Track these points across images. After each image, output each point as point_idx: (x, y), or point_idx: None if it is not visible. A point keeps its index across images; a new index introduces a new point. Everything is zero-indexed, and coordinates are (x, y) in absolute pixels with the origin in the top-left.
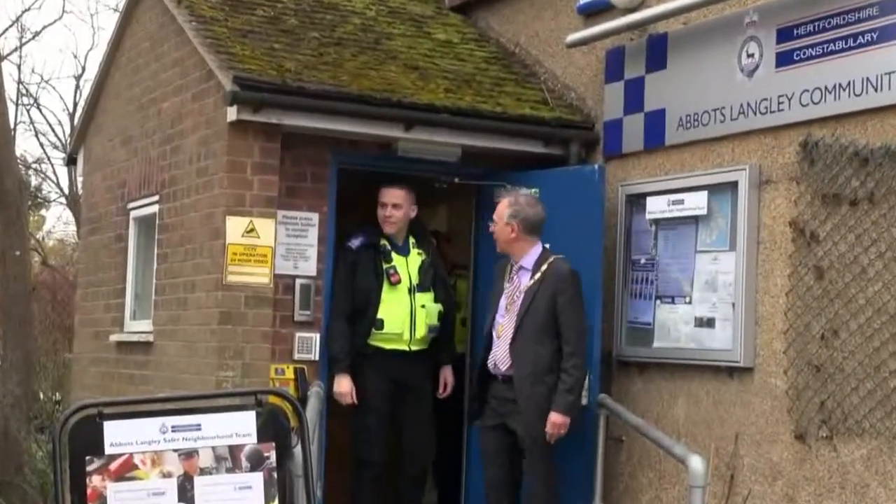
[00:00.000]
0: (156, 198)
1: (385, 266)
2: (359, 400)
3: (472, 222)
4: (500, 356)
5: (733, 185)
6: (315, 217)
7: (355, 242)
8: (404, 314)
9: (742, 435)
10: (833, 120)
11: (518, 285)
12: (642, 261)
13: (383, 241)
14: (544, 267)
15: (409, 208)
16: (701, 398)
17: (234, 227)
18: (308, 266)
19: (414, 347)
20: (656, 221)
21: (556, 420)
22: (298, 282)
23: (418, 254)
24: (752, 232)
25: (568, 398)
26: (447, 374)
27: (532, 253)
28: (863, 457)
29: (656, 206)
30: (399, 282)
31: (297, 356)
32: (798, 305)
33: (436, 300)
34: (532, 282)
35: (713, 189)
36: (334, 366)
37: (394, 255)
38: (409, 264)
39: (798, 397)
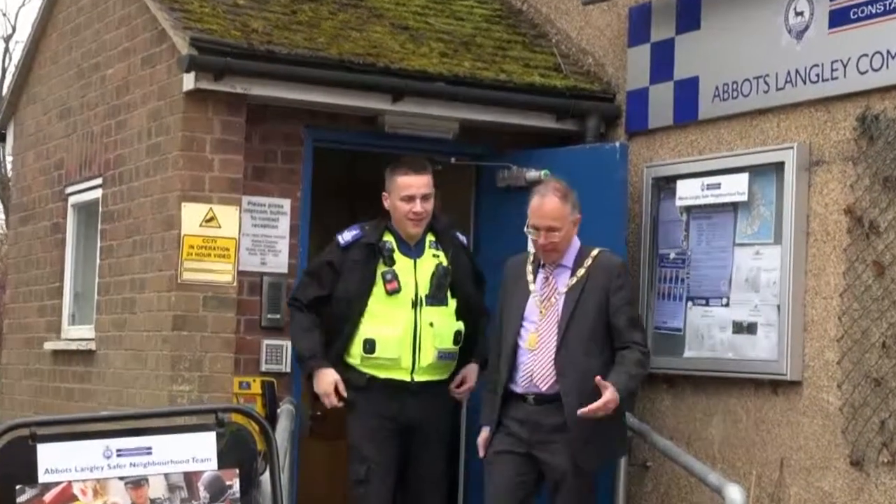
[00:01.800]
0: (99, 181)
1: (382, 270)
2: (348, 445)
3: (471, 210)
4: (539, 372)
5: (778, 167)
6: (286, 204)
7: (346, 237)
8: (404, 334)
9: (788, 461)
10: None
11: (554, 286)
12: (671, 255)
13: (387, 238)
14: (588, 262)
15: (433, 197)
16: (740, 417)
17: (191, 215)
18: (278, 261)
19: (419, 378)
20: (688, 209)
21: (610, 399)
22: (266, 280)
23: (434, 256)
24: (801, 222)
25: (630, 383)
26: (469, 373)
27: (573, 247)
28: None
29: (688, 192)
30: (397, 291)
31: (264, 367)
32: (854, 308)
33: (457, 317)
34: (574, 280)
35: (755, 171)
36: (304, 364)
37: (398, 256)
38: (417, 270)
39: (854, 416)
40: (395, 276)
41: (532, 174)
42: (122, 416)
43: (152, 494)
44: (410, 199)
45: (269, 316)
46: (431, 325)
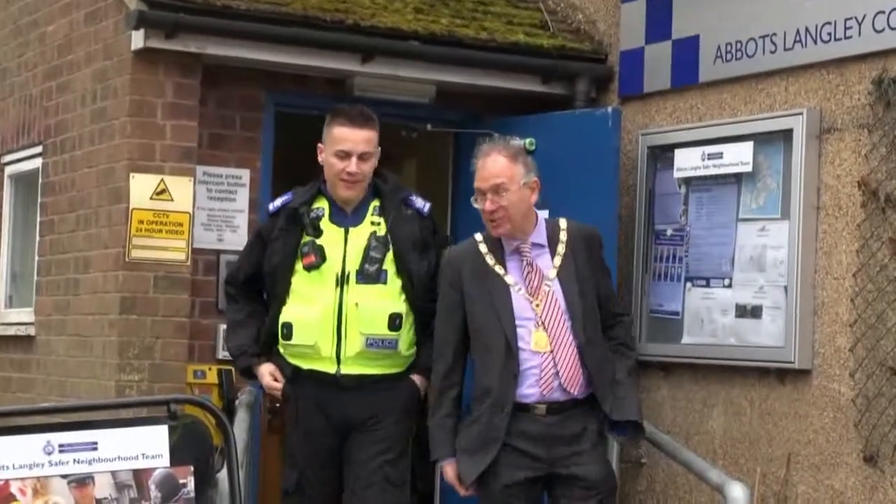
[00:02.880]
0: (38, 149)
1: (304, 241)
2: (285, 449)
3: (449, 182)
4: (566, 374)
5: (786, 135)
6: (245, 175)
7: (276, 202)
8: (324, 317)
9: (796, 456)
10: None
11: (537, 270)
12: (669, 232)
13: (319, 203)
14: (563, 235)
15: (376, 158)
16: (743, 409)
17: (141, 187)
18: (236, 238)
19: (347, 370)
20: (687, 181)
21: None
22: (224, 258)
23: (373, 223)
24: (811, 195)
25: (637, 398)
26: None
27: (540, 222)
28: None
29: (687, 162)
30: (315, 266)
31: (221, 354)
32: (869, 290)
33: (404, 297)
34: (560, 259)
35: (761, 139)
36: (236, 362)
37: (326, 224)
38: (348, 240)
39: (868, 408)
40: (316, 249)
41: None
42: (64, 408)
43: (98, 494)
44: (346, 155)
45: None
46: (357, 305)
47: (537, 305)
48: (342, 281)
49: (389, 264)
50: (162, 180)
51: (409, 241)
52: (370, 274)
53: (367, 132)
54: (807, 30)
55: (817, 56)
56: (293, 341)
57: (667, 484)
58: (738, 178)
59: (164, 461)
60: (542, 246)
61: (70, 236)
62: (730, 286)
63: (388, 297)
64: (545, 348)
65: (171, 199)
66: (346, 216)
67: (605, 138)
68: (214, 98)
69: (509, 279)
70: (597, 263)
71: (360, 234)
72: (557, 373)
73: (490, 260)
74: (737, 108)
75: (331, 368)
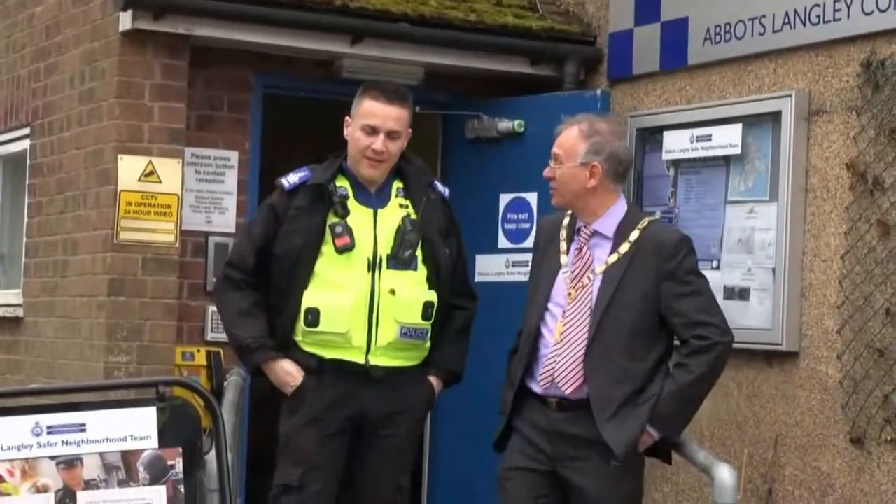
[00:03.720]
0: (26, 130)
1: (332, 221)
2: (279, 441)
3: (438, 165)
4: (562, 371)
5: (775, 117)
6: (234, 156)
7: (292, 178)
8: (356, 303)
9: (783, 438)
10: None
11: (589, 261)
12: (657, 214)
13: (340, 182)
14: (635, 234)
15: (405, 139)
16: (731, 390)
17: (129, 168)
18: (225, 220)
19: (375, 361)
20: (676, 163)
21: (646, 439)
22: (212, 240)
23: (401, 206)
24: (799, 177)
25: (676, 409)
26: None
27: (614, 212)
28: None
29: (676, 144)
30: (350, 248)
31: (210, 336)
32: (857, 272)
33: (430, 286)
34: (616, 257)
35: (749, 122)
36: (250, 357)
37: (353, 204)
38: (378, 222)
39: (855, 390)
40: (348, 230)
41: (504, 124)
42: (52, 389)
43: (86, 475)
44: (373, 131)
45: (215, 280)
46: (393, 292)
47: (570, 294)
48: (374, 266)
49: (418, 251)
50: (150, 162)
51: (437, 227)
52: (404, 259)
53: (400, 110)
54: (795, 12)
55: (806, 38)
56: (320, 328)
57: (652, 465)
58: (726, 161)
59: (153, 443)
60: (605, 237)
61: (58, 218)
62: (718, 268)
63: (420, 285)
64: (559, 339)
65: (160, 181)
66: (371, 197)
67: None
68: (203, 79)
69: (564, 259)
70: (667, 274)
71: (390, 217)
72: (554, 368)
73: (563, 234)
74: (725, 91)
75: (359, 358)
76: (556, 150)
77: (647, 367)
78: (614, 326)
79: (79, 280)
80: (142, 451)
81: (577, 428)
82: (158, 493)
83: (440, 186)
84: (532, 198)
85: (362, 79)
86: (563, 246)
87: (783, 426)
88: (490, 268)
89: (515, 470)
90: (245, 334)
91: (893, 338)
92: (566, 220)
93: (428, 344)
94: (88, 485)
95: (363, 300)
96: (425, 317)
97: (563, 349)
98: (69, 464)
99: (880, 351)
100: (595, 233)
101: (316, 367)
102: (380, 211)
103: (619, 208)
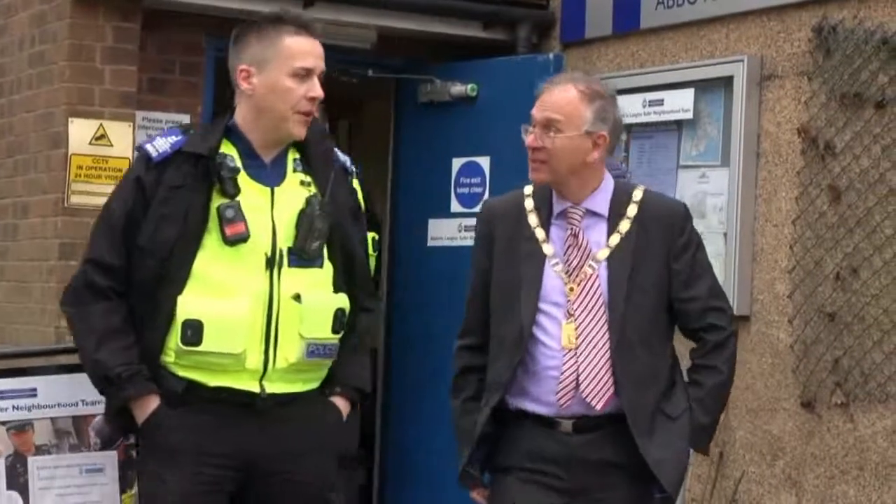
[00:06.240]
0: None
1: (220, 203)
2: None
3: (391, 130)
4: (589, 382)
5: (727, 82)
6: (186, 120)
7: (160, 146)
8: (252, 313)
9: (734, 401)
10: None
11: (586, 247)
12: None
13: (226, 149)
14: (632, 209)
15: None
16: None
17: (80, 132)
18: None
19: (272, 388)
20: (628, 128)
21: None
22: None
23: (303, 183)
24: (751, 142)
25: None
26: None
27: (605, 186)
28: (886, 429)
29: (628, 108)
30: (244, 238)
31: None
32: (808, 237)
33: (336, 287)
34: (618, 238)
35: (701, 86)
36: (118, 391)
37: (245, 180)
38: (276, 203)
39: (806, 354)
40: (241, 214)
41: (457, 88)
42: (2, 353)
43: (38, 441)
44: (307, 74)
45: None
46: (297, 298)
47: (571, 290)
48: (274, 262)
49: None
50: (101, 125)
51: (347, 208)
52: (310, 253)
53: (321, 46)
54: None
55: (758, 3)
56: (203, 346)
57: None
58: (678, 125)
59: (104, 408)
60: (598, 216)
61: (8, 181)
62: None
63: (327, 286)
64: (572, 344)
65: (111, 145)
66: (266, 170)
67: None
68: (155, 43)
69: (548, 248)
70: (678, 252)
71: (290, 197)
72: (578, 379)
73: (533, 220)
74: (678, 55)
75: (253, 386)
76: (550, 114)
77: (666, 363)
78: (635, 320)
79: (29, 244)
80: (93, 416)
81: (604, 452)
82: (110, 459)
83: (342, 156)
84: (485, 162)
85: None
86: (540, 233)
87: (734, 389)
88: (443, 232)
89: None
90: (114, 361)
91: (843, 302)
92: (529, 203)
93: (331, 361)
94: (39, 450)
95: (260, 309)
96: (336, 329)
97: (582, 356)
98: (20, 429)
99: (830, 315)
100: (588, 212)
101: (180, 396)
102: (276, 189)
103: (609, 181)
